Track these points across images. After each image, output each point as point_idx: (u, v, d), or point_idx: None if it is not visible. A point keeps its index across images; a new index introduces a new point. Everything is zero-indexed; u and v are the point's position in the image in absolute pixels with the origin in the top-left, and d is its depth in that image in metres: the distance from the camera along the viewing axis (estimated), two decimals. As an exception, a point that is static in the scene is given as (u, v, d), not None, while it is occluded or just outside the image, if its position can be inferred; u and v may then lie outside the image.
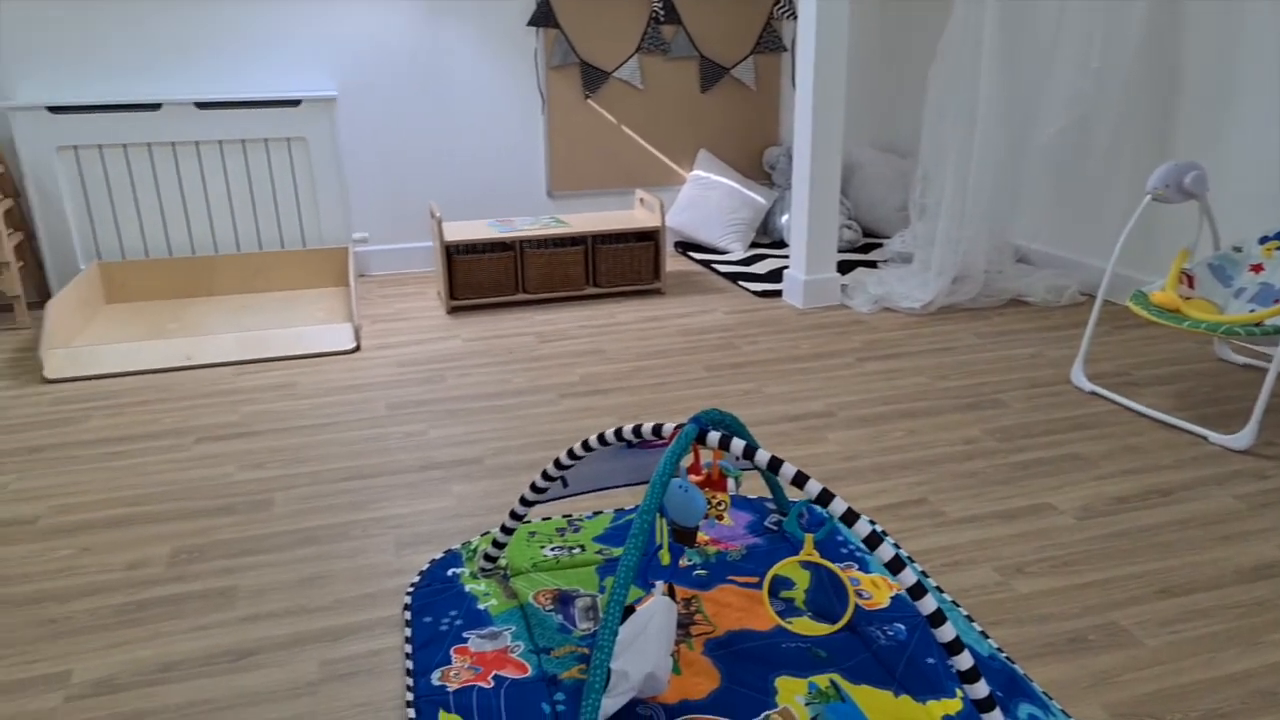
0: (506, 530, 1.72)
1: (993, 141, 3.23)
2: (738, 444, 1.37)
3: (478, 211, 4.02)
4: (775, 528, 1.92)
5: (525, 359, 2.94)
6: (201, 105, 3.42)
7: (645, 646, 1.39)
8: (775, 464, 1.35)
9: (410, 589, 1.72)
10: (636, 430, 1.49)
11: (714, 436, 1.39)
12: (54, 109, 3.28)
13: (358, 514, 2.01)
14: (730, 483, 1.54)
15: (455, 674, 1.47)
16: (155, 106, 3.37)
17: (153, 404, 2.61)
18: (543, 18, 3.82)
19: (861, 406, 2.54)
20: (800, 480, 1.33)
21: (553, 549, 1.83)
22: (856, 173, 4.31)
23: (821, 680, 1.46)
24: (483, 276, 3.42)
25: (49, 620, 1.65)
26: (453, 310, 3.43)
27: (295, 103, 3.52)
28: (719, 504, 1.53)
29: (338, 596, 1.72)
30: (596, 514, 1.97)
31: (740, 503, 2.02)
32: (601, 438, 1.54)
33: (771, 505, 2.01)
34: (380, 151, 3.83)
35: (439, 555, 1.83)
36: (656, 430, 1.47)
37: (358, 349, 3.04)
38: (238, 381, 2.77)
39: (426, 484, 2.14)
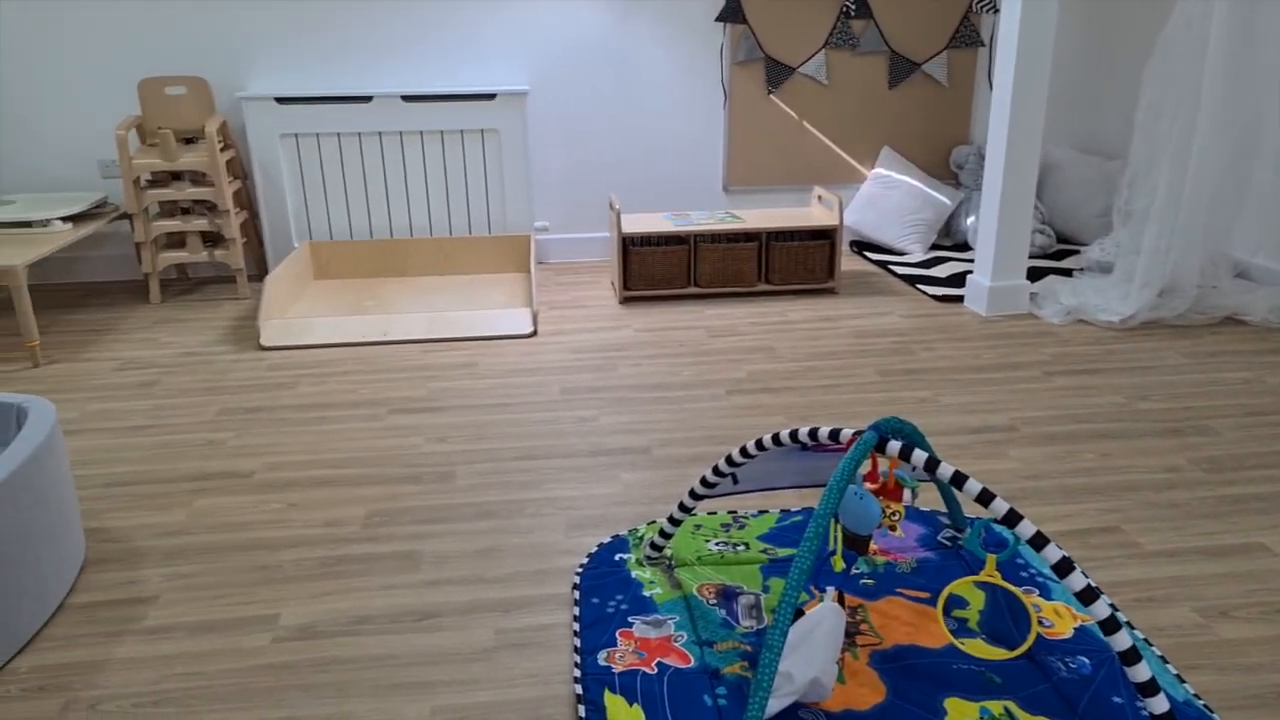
0: (674, 521, 1.75)
1: (1216, 144, 2.96)
2: (919, 455, 1.33)
3: (654, 203, 4.09)
4: (948, 543, 1.85)
5: (694, 353, 2.97)
6: (407, 98, 3.65)
7: (812, 651, 1.37)
8: (959, 479, 1.30)
9: (579, 569, 1.78)
10: (813, 433, 1.47)
11: (894, 446, 1.36)
12: (280, 100, 3.59)
13: (531, 493, 2.10)
14: (906, 494, 1.50)
15: (620, 656, 1.52)
16: (367, 99, 3.63)
17: (353, 375, 2.82)
18: (731, 13, 3.82)
19: (1048, 423, 2.40)
20: (985, 498, 1.28)
21: (717, 544, 1.84)
22: (1053, 174, 4.06)
23: (995, 706, 1.40)
24: (656, 269, 3.48)
25: (261, 567, 1.83)
26: (625, 301, 3.51)
27: (490, 96, 3.69)
28: (893, 514, 1.50)
29: (512, 570, 1.81)
30: (762, 513, 1.97)
31: (912, 514, 1.96)
32: (776, 438, 1.53)
33: (945, 519, 1.93)
34: (564, 143, 3.96)
35: (607, 539, 1.89)
36: (834, 435, 1.45)
37: (535, 334, 3.16)
38: (426, 358, 2.95)
39: (596, 469, 2.21)
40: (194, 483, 2.16)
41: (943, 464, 1.31)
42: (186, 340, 3.13)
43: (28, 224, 3.17)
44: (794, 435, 1.50)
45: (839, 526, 1.48)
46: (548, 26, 3.79)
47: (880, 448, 1.38)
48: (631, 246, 3.46)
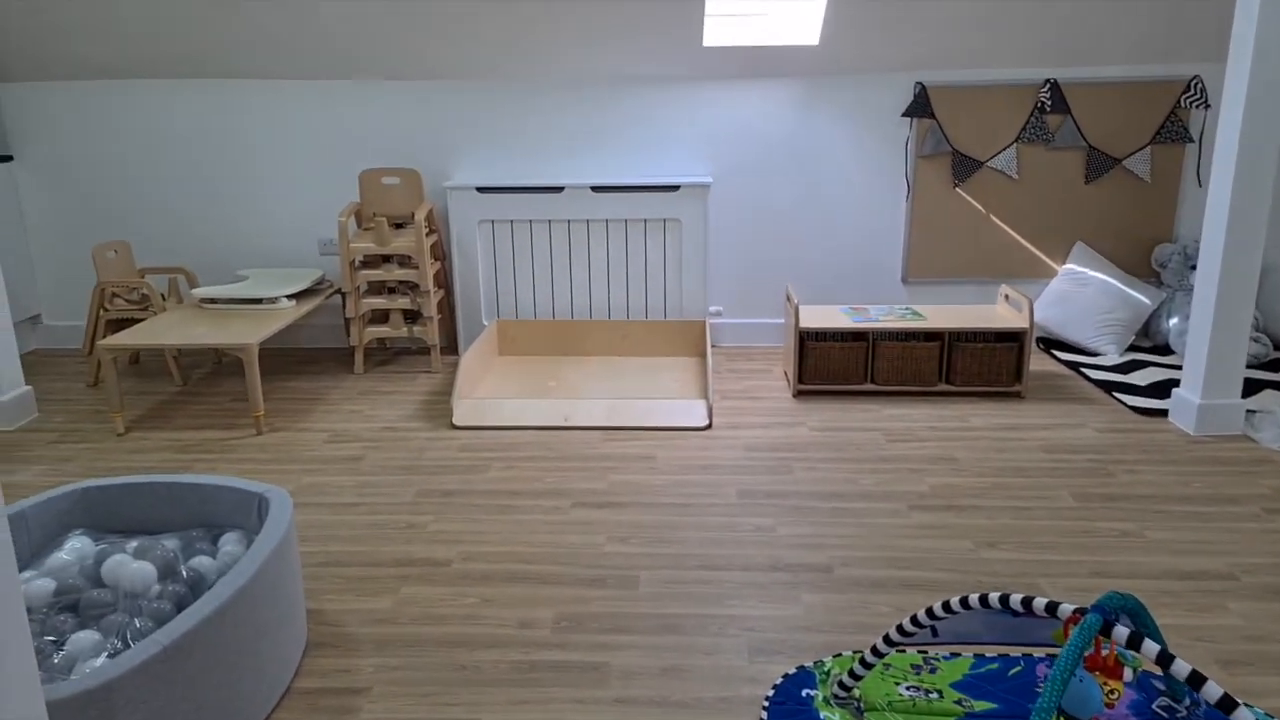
0: (865, 664, 1.72)
1: None
2: (1150, 647, 1.26)
3: (829, 292, 4.08)
4: (1164, 713, 1.73)
5: (872, 458, 2.92)
6: (596, 189, 3.83)
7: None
8: (1197, 680, 1.23)
9: (766, 703, 1.78)
10: (1026, 602, 1.43)
11: (1121, 632, 1.30)
12: (481, 189, 3.85)
13: (713, 608, 2.12)
14: (1127, 672, 1.42)
15: (812, 810, 1.50)
16: (559, 189, 3.84)
17: (537, 460, 2.95)
18: (918, 108, 3.81)
19: (1272, 572, 2.21)
20: (1228, 705, 1.19)
21: (908, 688, 1.80)
22: (1270, 276, 3.76)
23: None
24: (833, 364, 3.46)
25: (460, 666, 1.93)
26: (799, 394, 3.51)
27: (674, 188, 3.82)
28: (1112, 693, 1.42)
29: (697, 694, 1.83)
30: (954, 655, 1.91)
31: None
32: (984, 599, 1.49)
33: (1160, 685, 1.81)
34: (742, 231, 4.03)
35: (792, 670, 1.88)
36: (1051, 609, 1.39)
37: (710, 426, 3.21)
38: (606, 447, 3.05)
39: (776, 587, 2.21)
40: (398, 568, 2.32)
41: (1177, 661, 1.24)
42: (387, 414, 3.37)
43: (259, 301, 3.52)
44: (1004, 601, 1.46)
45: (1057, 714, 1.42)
46: (732, 121, 3.90)
47: (1105, 631, 1.32)
48: (809, 341, 3.46)
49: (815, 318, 3.54)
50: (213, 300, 3.54)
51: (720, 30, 3.63)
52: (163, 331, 3.20)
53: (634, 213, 3.86)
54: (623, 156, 3.97)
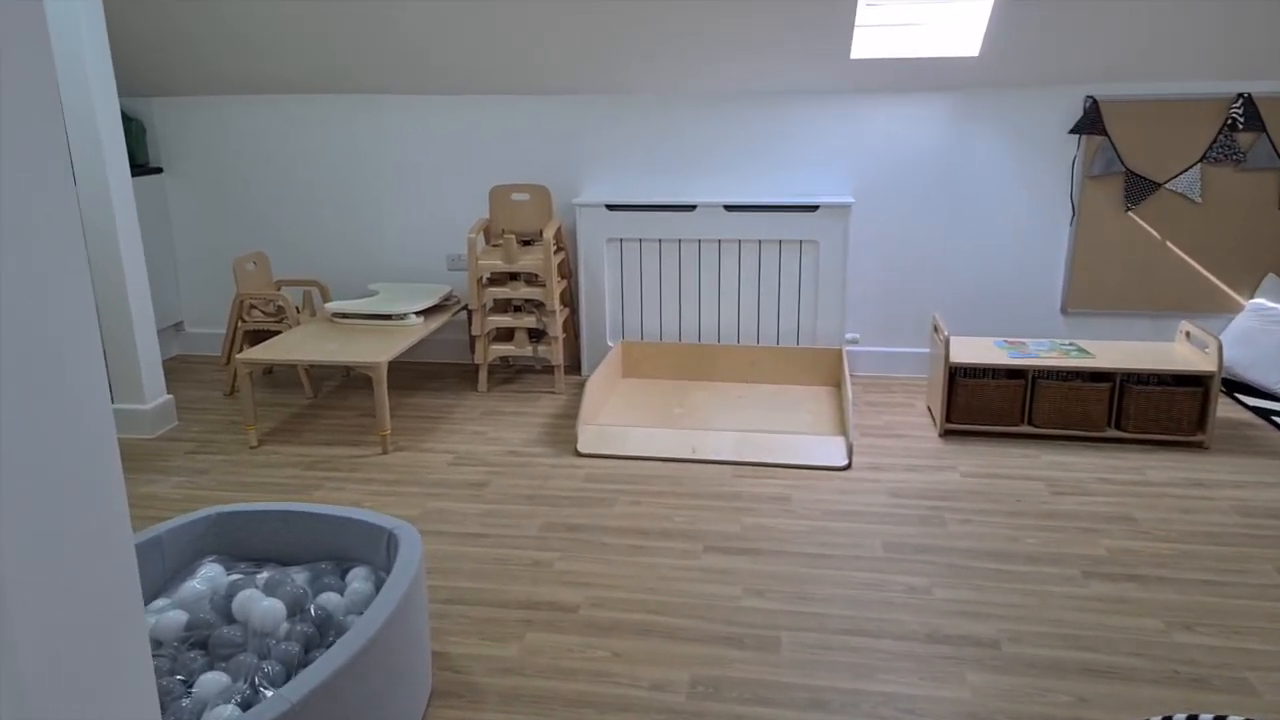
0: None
1: None
2: None
3: (979, 321, 3.79)
4: None
5: (1036, 513, 2.64)
6: (730, 208, 3.67)
7: None
8: None
9: (935, 808, 1.57)
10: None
11: None
12: (610, 207, 3.75)
13: (865, 683, 1.92)
14: None
15: None
16: (690, 208, 3.69)
17: (666, 496, 2.80)
18: (1088, 124, 3.48)
19: None
20: None
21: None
22: None
23: None
24: (985, 402, 3.18)
25: (592, 730, 1.80)
26: (947, 434, 3.24)
27: (813, 208, 3.62)
28: None
29: (853, 788, 1.63)
30: (1156, 766, 1.65)
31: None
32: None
33: None
34: (884, 253, 3.79)
35: (962, 767, 1.66)
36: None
37: (849, 467, 2.99)
38: (737, 484, 2.88)
39: (936, 661, 1.98)
40: (524, 610, 2.20)
41: None
42: (510, 437, 3.29)
43: (388, 317, 3.51)
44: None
45: None
46: (876, 137, 3.67)
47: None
48: (959, 376, 3.19)
49: (967, 351, 3.27)
50: (344, 315, 3.55)
51: (870, 42, 3.41)
52: (295, 346, 3.22)
53: (769, 233, 3.67)
54: (758, 174, 3.79)
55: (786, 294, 3.75)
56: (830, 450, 3.06)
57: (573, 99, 3.83)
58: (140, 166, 4.04)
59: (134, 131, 4.00)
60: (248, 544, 2.09)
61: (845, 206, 3.61)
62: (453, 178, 3.99)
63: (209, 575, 1.97)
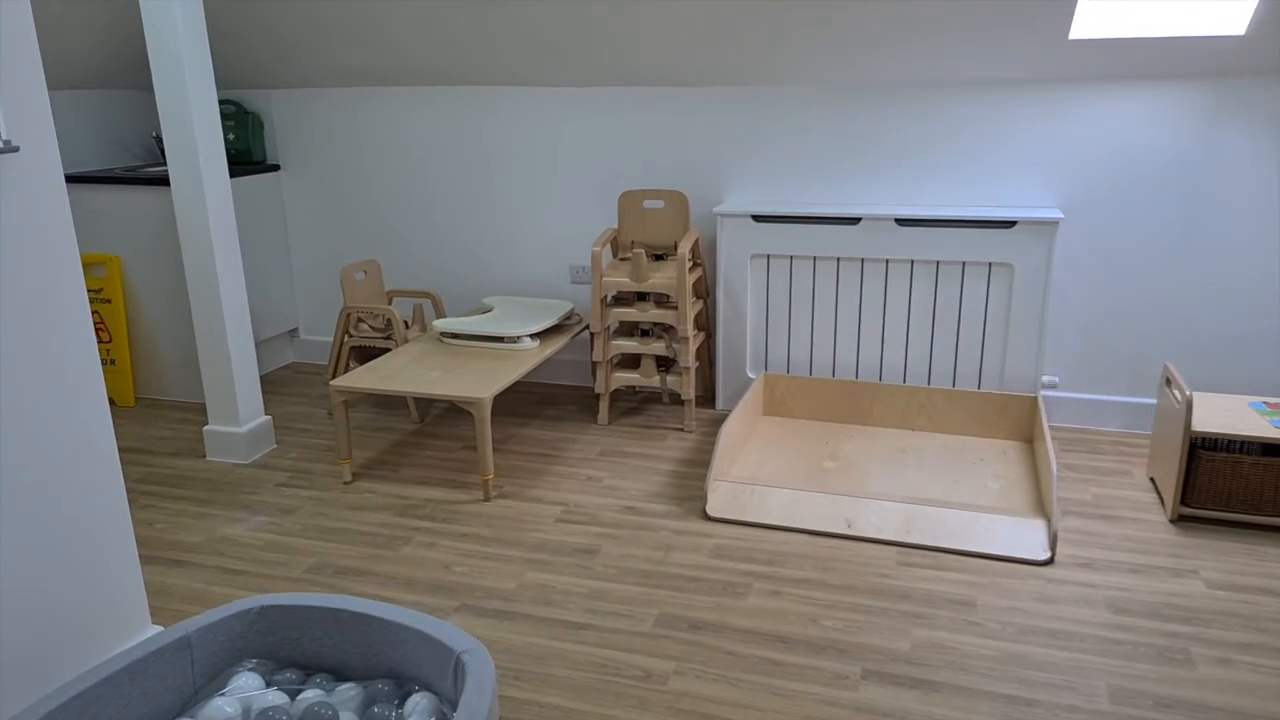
0: None
1: None
2: None
3: (1218, 372, 3.02)
4: None
5: (1325, 656, 1.94)
6: (902, 222, 3.06)
7: None
8: None
9: None
10: None
11: None
12: (757, 218, 3.21)
13: None
14: None
15: None
16: (854, 221, 3.10)
17: (813, 586, 2.26)
18: (1397, 123, 2.67)
19: None
20: None
21: None
22: None
23: None
24: (1237, 483, 2.46)
25: None
26: (1182, 520, 2.54)
27: (1009, 224, 2.95)
28: None
29: None
30: None
31: None
32: None
33: None
34: (1094, 281, 3.08)
35: None
36: None
37: (1051, 561, 2.35)
38: (903, 575, 2.30)
39: None
40: (626, 752, 1.73)
41: None
42: (629, 488, 2.82)
43: (500, 339, 3.11)
44: None
45: None
46: (1094, 138, 2.96)
47: None
48: (1203, 449, 2.48)
49: (1212, 414, 2.55)
50: (453, 335, 3.17)
51: (1096, 19, 2.72)
52: (395, 373, 2.86)
53: (950, 253, 3.04)
54: (939, 182, 3.16)
55: (969, 326, 3.11)
56: (1026, 537, 2.42)
57: (716, 92, 3.30)
58: (257, 164, 3.82)
59: (251, 126, 3.78)
60: (295, 646, 1.70)
61: (1051, 223, 2.92)
62: (580, 181, 3.55)
63: (243, 688, 1.60)
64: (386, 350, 3.40)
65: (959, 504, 2.61)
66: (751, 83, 3.24)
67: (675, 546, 2.47)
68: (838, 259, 3.17)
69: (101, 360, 3.55)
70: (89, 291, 3.52)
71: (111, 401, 3.59)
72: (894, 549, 2.43)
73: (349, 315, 3.37)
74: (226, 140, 3.77)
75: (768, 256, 3.25)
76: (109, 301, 3.51)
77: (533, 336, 3.14)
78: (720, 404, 3.45)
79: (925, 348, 3.17)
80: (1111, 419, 3.18)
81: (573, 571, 2.35)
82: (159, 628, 1.90)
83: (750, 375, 3.38)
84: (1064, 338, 3.17)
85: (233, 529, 2.60)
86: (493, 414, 3.43)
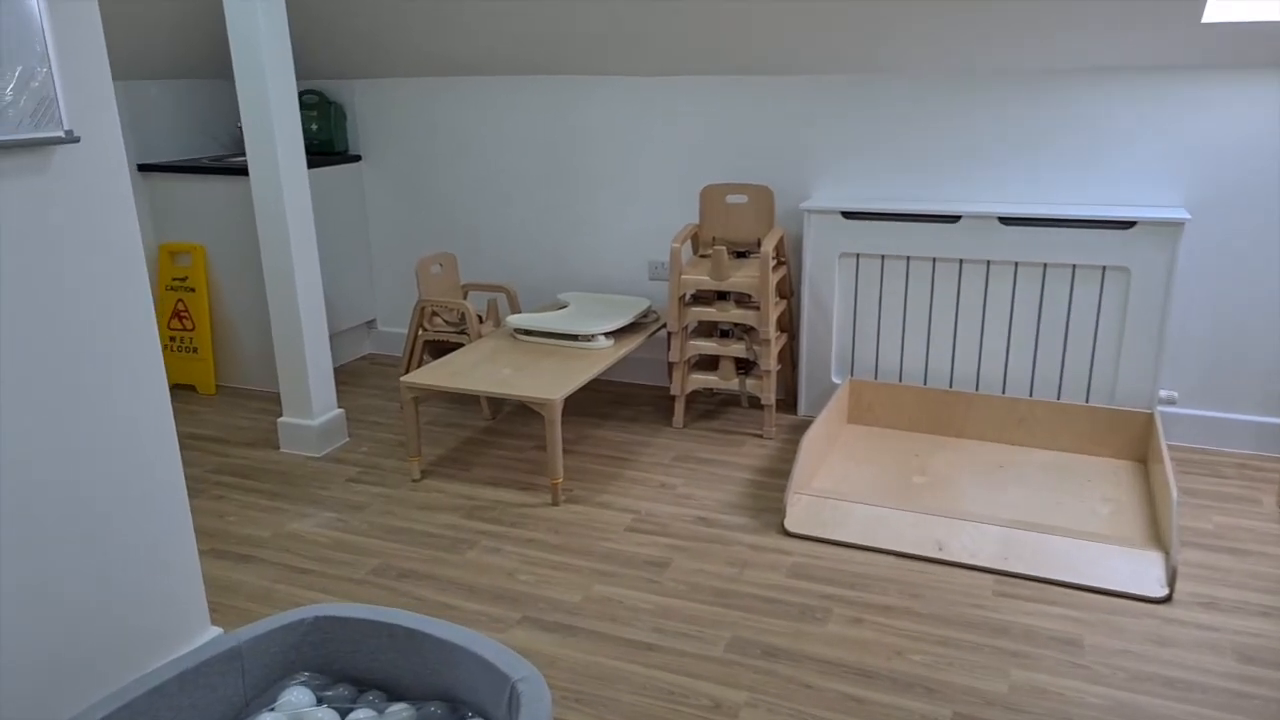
0: None
1: None
2: None
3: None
4: None
5: None
6: (1006, 220, 2.83)
7: None
8: None
9: None
10: None
11: None
12: (847, 214, 3.03)
13: None
14: None
15: None
16: (953, 219, 2.89)
17: (898, 615, 2.09)
18: None
19: None
20: None
21: None
22: None
23: None
24: (1388, 521, 2.19)
25: None
26: (1320, 559, 2.27)
27: (1127, 224, 2.70)
28: None
29: None
30: None
31: None
32: None
33: None
34: (1220, 288, 2.80)
35: None
36: None
37: (1169, 598, 2.13)
38: (1000, 606, 2.11)
39: None
40: (691, 792, 1.61)
41: None
42: (703, 496, 2.69)
43: (574, 337, 3.02)
44: None
45: None
46: (1225, 131, 2.68)
47: None
48: (1348, 481, 2.22)
49: (1358, 441, 2.27)
50: (526, 331, 3.09)
51: (1232, 1, 2.45)
52: (466, 371, 2.79)
53: (1060, 255, 2.80)
54: (1049, 178, 2.92)
55: (1078, 334, 2.87)
56: (1141, 570, 2.20)
57: (806, 81, 3.13)
58: (339, 154, 3.82)
59: (334, 117, 3.77)
60: (349, 659, 1.63)
61: (1175, 224, 2.67)
62: (661, 174, 3.43)
63: (293, 703, 1.54)
64: (460, 345, 3.35)
65: (1064, 529, 2.40)
66: (844, 71, 3.06)
67: (750, 563, 2.33)
68: (934, 259, 2.97)
69: (185, 348, 3.60)
70: (174, 280, 3.57)
71: (193, 389, 3.63)
72: (990, 577, 2.24)
73: (423, 309, 3.33)
74: (309, 131, 3.77)
75: (857, 256, 3.07)
76: (193, 290, 3.55)
77: (608, 335, 3.03)
78: (802, 410, 3.29)
79: (1027, 357, 2.94)
80: (1237, 439, 2.89)
81: (641, 585, 2.24)
82: (218, 630, 1.87)
83: (835, 381, 3.21)
84: (1184, 349, 2.90)
85: (301, 524, 2.57)
86: (565, 413, 3.34)
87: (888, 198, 3.13)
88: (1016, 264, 2.87)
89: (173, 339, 3.61)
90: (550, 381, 2.67)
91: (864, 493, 2.64)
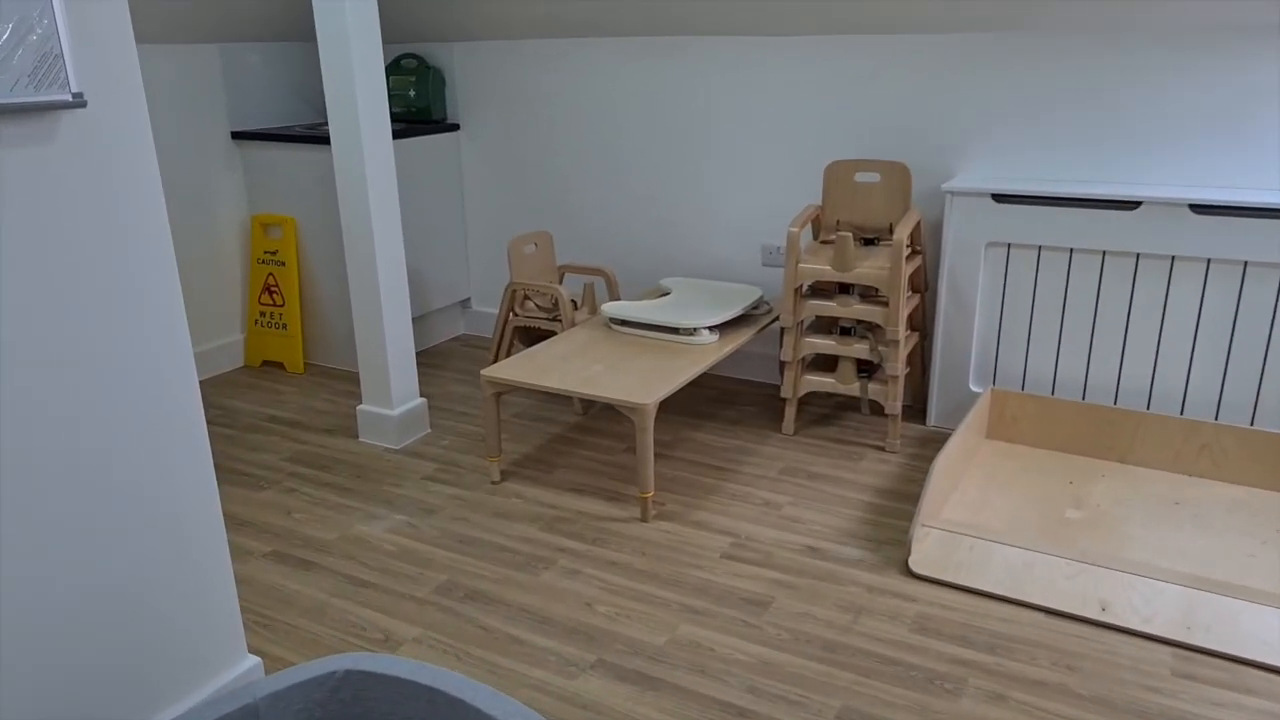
0: None
1: None
2: None
3: None
4: None
5: None
6: (1198, 208, 2.34)
7: None
8: None
9: None
10: None
11: None
12: (999, 197, 2.59)
13: None
14: None
15: None
16: (1131, 205, 2.42)
17: (1051, 693, 1.71)
18: None
19: None
20: None
21: None
22: None
23: None
24: None
25: None
26: None
27: (1362, 217, 2.18)
28: None
29: None
30: None
31: None
32: None
33: None
34: None
35: None
36: None
37: None
38: (1184, 692, 1.70)
39: None
40: None
41: None
42: (813, 520, 2.35)
43: (675, 330, 2.70)
44: None
45: None
46: None
47: None
48: None
49: None
50: (622, 322, 2.80)
51: None
52: (553, 365, 2.52)
53: (1264, 251, 2.30)
54: (1252, 157, 2.41)
55: (1281, 349, 2.36)
56: (1372, 661, 1.74)
57: (952, 40, 2.69)
58: (436, 123, 3.60)
59: (433, 82, 3.55)
60: (376, 713, 1.39)
61: None
62: (780, 147, 3.05)
63: (313, 772, 1.31)
64: (552, 333, 3.09)
65: (1264, 592, 1.94)
66: (998, 28, 2.61)
67: (867, 609, 1.98)
68: (1103, 253, 2.50)
69: (274, 324, 3.48)
70: (266, 253, 3.45)
71: (281, 367, 3.51)
72: (1168, 650, 1.82)
73: (514, 292, 3.08)
74: (407, 98, 3.56)
75: (1008, 246, 2.63)
76: (283, 264, 3.42)
77: (712, 329, 2.71)
78: (932, 420, 2.88)
79: (1216, 371, 2.45)
80: None
81: (737, 629, 1.93)
82: (255, 660, 1.66)
83: (973, 389, 2.79)
84: None
85: (369, 527, 2.37)
86: (661, 411, 3.04)
87: (1048, 178, 2.68)
88: (1209, 261, 2.38)
89: (263, 314, 3.49)
90: (644, 382, 2.37)
91: (1006, 527, 2.24)
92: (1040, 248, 2.58)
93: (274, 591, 2.09)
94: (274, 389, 3.32)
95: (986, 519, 2.29)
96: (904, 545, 2.22)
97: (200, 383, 3.37)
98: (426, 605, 2.03)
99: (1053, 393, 2.69)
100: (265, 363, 3.55)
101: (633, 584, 2.10)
